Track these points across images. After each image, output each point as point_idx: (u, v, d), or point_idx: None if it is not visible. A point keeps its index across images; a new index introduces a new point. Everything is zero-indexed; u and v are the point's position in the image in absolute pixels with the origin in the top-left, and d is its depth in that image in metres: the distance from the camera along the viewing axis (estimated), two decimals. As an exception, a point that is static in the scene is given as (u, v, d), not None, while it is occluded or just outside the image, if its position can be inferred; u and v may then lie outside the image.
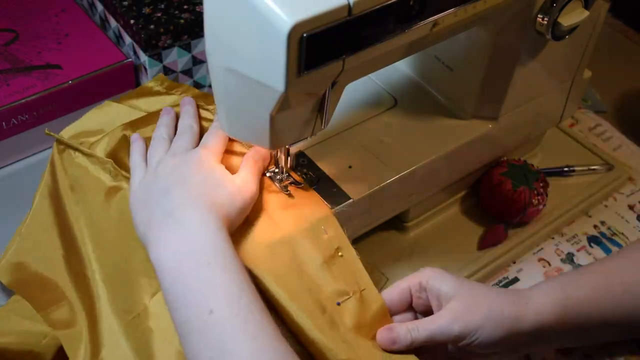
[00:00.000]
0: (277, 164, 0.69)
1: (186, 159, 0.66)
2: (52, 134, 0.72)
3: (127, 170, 0.69)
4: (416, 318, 0.67)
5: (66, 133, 0.73)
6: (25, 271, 0.68)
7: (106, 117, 0.75)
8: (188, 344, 0.56)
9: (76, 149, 0.71)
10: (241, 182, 0.65)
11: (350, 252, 0.66)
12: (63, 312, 0.66)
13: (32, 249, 0.69)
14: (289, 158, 0.69)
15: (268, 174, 0.70)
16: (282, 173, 0.69)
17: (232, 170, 0.67)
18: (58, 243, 0.69)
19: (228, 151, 0.69)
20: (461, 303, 0.62)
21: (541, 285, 0.67)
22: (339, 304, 0.63)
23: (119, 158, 0.71)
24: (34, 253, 0.69)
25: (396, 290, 0.65)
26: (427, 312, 0.65)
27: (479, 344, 0.62)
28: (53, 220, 0.70)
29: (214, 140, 0.68)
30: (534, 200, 0.81)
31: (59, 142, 0.72)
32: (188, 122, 0.71)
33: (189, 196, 0.62)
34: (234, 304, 0.56)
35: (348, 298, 0.63)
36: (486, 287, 0.65)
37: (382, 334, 0.62)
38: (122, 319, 0.62)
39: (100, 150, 0.71)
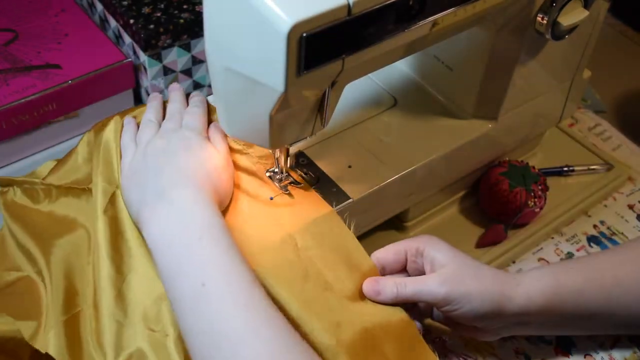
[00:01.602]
0: (277, 164, 0.69)
1: (173, 138, 0.68)
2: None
3: None
4: None
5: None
6: None
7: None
8: (182, 318, 0.58)
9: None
10: (224, 156, 0.68)
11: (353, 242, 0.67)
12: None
13: None
14: (288, 158, 0.69)
15: (268, 174, 0.70)
16: (282, 173, 0.69)
17: None
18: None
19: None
20: (453, 271, 0.64)
21: (533, 271, 0.68)
22: (272, 198, 0.67)
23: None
24: None
25: (392, 250, 0.67)
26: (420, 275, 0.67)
27: (463, 314, 0.64)
28: None
29: (195, 119, 0.71)
30: (530, 202, 0.80)
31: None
32: (176, 106, 0.73)
33: (179, 175, 0.64)
34: (225, 275, 0.58)
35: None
36: (480, 263, 0.66)
37: (368, 284, 0.64)
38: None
39: (109, 132, 0.73)
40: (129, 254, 0.65)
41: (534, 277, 0.66)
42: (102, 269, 0.63)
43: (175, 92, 0.76)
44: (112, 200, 0.68)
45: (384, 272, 0.66)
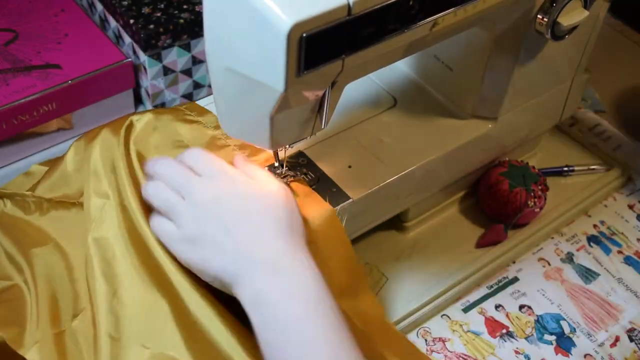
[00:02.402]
0: (276, 164, 0.69)
1: (239, 186, 0.62)
2: None
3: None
4: None
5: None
6: None
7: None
8: None
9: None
10: (285, 190, 0.64)
11: (349, 252, 0.66)
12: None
13: None
14: (281, 156, 0.69)
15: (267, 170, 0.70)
16: (282, 168, 0.69)
17: None
18: None
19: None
20: None
21: None
22: None
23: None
24: None
25: None
26: None
27: None
28: None
29: (208, 158, 0.64)
30: (530, 202, 0.80)
31: None
32: (163, 161, 0.65)
33: (267, 235, 0.60)
34: (331, 352, 0.56)
35: None
36: None
37: None
38: None
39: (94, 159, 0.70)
40: (118, 268, 0.63)
41: None
42: (96, 285, 0.62)
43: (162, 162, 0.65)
44: (104, 216, 0.66)
45: None
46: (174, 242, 0.62)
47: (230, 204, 0.61)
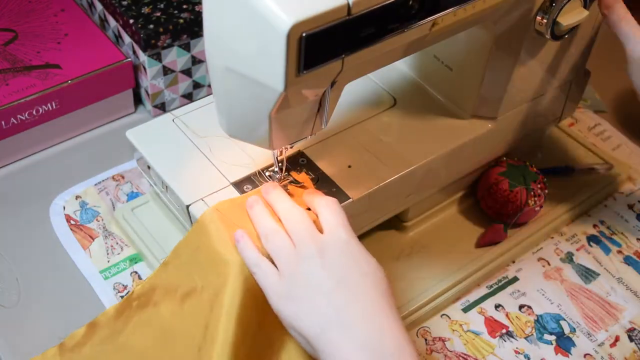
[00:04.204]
0: (276, 164, 0.69)
1: (329, 249, 0.60)
2: None
3: None
4: None
5: None
6: None
7: None
8: None
9: None
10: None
11: None
12: None
13: None
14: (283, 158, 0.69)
15: (268, 174, 0.70)
16: (282, 173, 0.69)
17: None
18: None
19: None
20: None
21: None
22: None
23: None
24: None
25: None
26: None
27: None
28: None
29: (333, 214, 0.62)
30: (530, 201, 0.80)
31: None
32: (285, 205, 0.64)
33: (361, 305, 0.58)
34: None
35: None
36: None
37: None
38: None
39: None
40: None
41: None
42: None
43: (273, 192, 0.66)
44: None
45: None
46: (271, 288, 0.61)
47: (339, 264, 0.59)
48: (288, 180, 0.69)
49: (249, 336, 0.62)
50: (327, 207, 0.63)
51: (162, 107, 0.93)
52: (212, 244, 0.64)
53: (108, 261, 0.78)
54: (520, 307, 0.78)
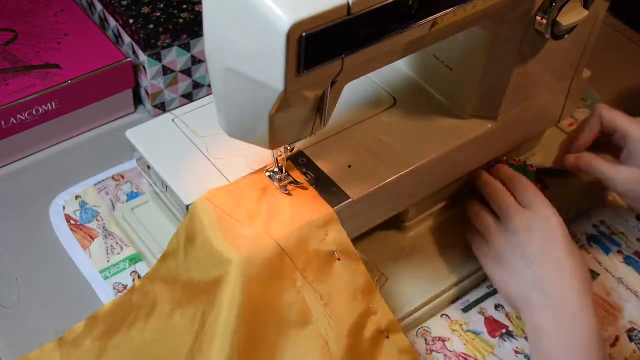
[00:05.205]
0: (276, 164, 0.69)
1: (551, 221, 0.71)
2: None
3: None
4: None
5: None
6: None
7: None
8: None
9: None
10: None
11: (354, 257, 0.66)
12: None
13: None
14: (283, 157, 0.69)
15: (267, 174, 0.70)
16: (282, 173, 0.69)
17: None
18: None
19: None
20: None
21: None
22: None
23: None
24: None
25: (593, 129, 0.80)
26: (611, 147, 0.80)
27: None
28: None
29: (533, 192, 0.75)
30: (532, 200, 0.81)
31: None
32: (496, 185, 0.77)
33: (563, 274, 0.68)
34: None
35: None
36: None
37: (570, 159, 0.81)
38: None
39: None
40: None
41: None
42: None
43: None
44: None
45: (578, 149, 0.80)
46: (484, 256, 0.74)
47: (539, 239, 0.70)
48: (288, 181, 0.69)
49: (249, 332, 0.62)
50: (527, 187, 0.74)
51: (162, 107, 0.93)
52: (207, 236, 0.64)
53: (108, 261, 0.78)
54: (520, 307, 0.78)
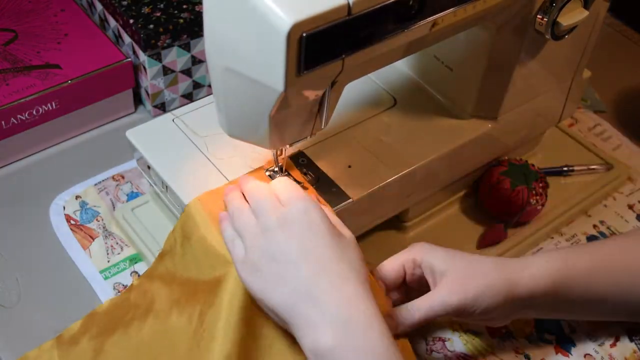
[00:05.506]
0: (276, 164, 0.69)
1: (295, 224, 0.59)
2: None
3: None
4: (406, 296, 0.68)
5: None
6: None
7: None
8: None
9: None
10: (338, 223, 0.63)
11: None
12: None
13: None
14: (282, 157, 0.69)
15: (267, 174, 0.70)
16: (282, 172, 0.69)
17: None
18: None
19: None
20: (456, 276, 0.63)
21: (542, 254, 0.69)
22: None
23: None
24: None
25: (390, 268, 0.66)
26: (422, 286, 0.66)
27: (480, 313, 0.64)
28: None
29: (286, 187, 0.62)
30: (532, 200, 0.81)
31: None
32: (254, 183, 0.64)
33: (328, 277, 0.57)
34: None
35: None
36: (479, 257, 0.66)
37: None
38: None
39: None
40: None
41: (542, 260, 0.66)
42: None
43: (244, 180, 0.66)
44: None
45: (387, 291, 0.66)
46: (238, 261, 0.60)
47: (299, 235, 0.59)
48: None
49: (249, 332, 0.62)
50: (279, 182, 0.63)
51: (162, 107, 0.93)
52: (203, 235, 0.64)
53: (108, 261, 0.78)
54: (520, 307, 0.78)
